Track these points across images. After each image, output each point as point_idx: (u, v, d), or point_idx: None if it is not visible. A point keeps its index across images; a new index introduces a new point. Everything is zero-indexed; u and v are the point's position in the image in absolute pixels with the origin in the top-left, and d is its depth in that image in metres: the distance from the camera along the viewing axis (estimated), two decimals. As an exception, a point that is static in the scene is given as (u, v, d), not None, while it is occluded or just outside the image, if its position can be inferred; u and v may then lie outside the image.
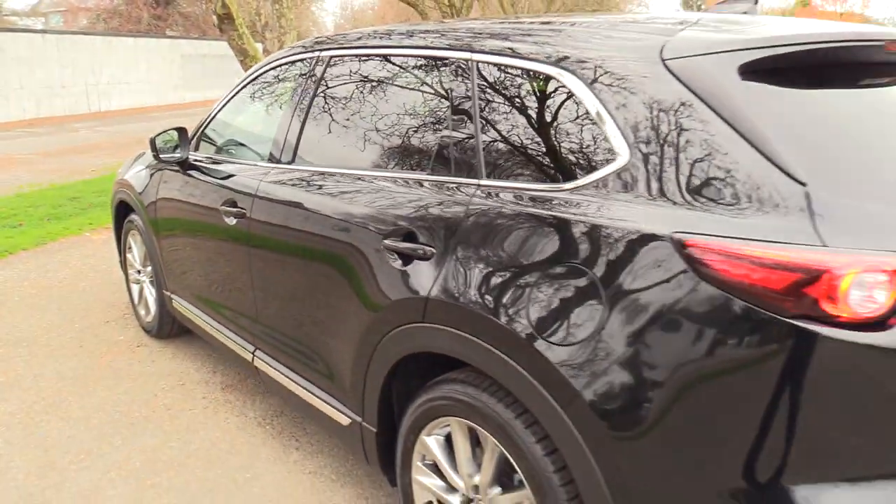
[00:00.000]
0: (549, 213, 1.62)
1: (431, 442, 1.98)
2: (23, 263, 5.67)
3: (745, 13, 2.03)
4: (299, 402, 2.55)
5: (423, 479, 2.04)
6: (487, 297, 1.67)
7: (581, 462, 1.52)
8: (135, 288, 4.17)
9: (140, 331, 4.16)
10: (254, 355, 2.83)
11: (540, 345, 1.54)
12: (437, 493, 2.01)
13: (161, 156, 3.25)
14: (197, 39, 28.60)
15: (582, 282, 1.51)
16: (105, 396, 3.35)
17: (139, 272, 4.07)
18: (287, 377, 2.59)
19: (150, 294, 3.94)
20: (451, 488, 1.97)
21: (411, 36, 2.24)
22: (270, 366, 2.70)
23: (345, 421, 2.29)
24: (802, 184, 1.33)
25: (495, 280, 1.67)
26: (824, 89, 1.57)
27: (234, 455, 2.85)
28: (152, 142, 3.25)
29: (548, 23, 1.98)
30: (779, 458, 1.30)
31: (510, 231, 1.68)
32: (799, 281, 1.25)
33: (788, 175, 1.34)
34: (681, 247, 1.36)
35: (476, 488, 1.87)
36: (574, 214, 1.57)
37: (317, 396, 2.42)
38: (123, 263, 4.30)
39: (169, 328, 3.89)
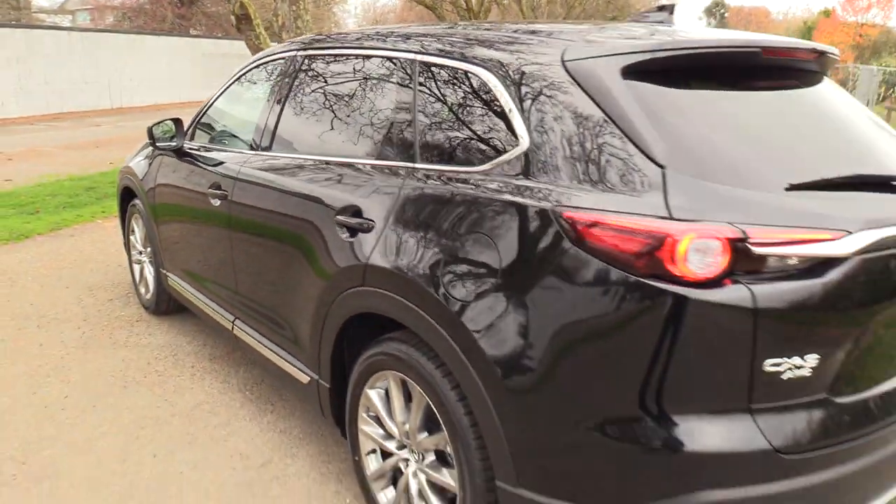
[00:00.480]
0: (464, 190, 1.88)
1: (373, 395, 2.24)
2: (37, 247, 6.02)
3: (660, 22, 2.27)
4: (270, 365, 2.84)
5: (367, 429, 2.31)
6: (411, 262, 1.94)
7: (482, 405, 1.77)
8: (136, 268, 4.48)
9: (140, 308, 4.47)
10: (233, 324, 3.12)
11: (451, 303, 1.81)
12: (377, 440, 2.28)
13: (158, 144, 3.56)
14: (218, 39, 29.14)
15: (485, 248, 1.77)
16: (103, 363, 3.65)
17: (140, 253, 4.39)
18: (259, 342, 2.88)
19: (150, 273, 4.25)
20: (389, 436, 2.23)
21: (370, 38, 2.51)
22: (247, 333, 2.99)
23: (305, 379, 2.57)
24: (662, 167, 1.58)
25: (418, 247, 1.94)
26: (701, 89, 1.81)
27: (215, 415, 3.14)
28: (150, 130, 3.56)
29: (481, 29, 2.25)
30: (635, 392, 1.55)
31: (431, 206, 1.95)
32: (647, 245, 1.50)
33: (651, 159, 1.60)
34: (559, 218, 1.62)
35: (408, 435, 2.14)
36: (483, 192, 1.83)
37: (283, 358, 2.70)
38: (127, 245, 4.62)
39: (165, 305, 4.20)
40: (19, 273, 5.22)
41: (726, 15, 78.86)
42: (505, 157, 1.84)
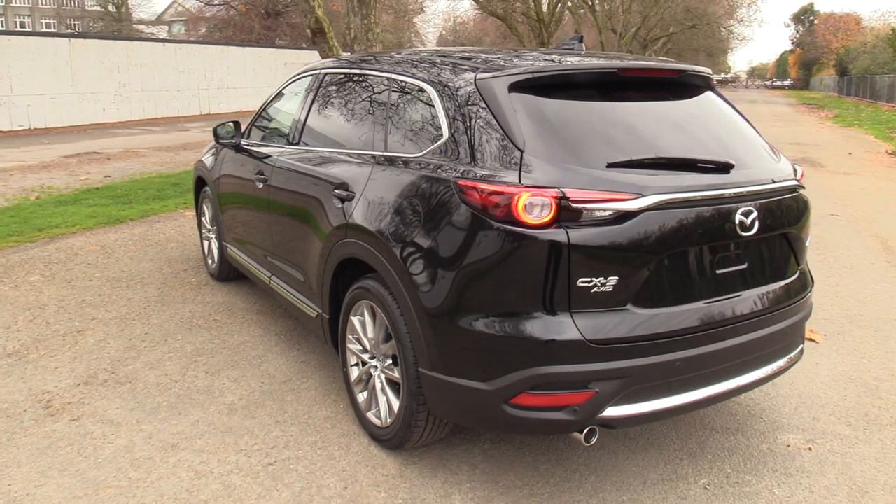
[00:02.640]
0: (407, 169, 2.71)
1: (355, 320, 3.09)
2: (129, 229, 7.20)
3: (571, 49, 3.04)
4: (291, 307, 3.74)
5: (351, 346, 3.16)
6: (373, 219, 2.79)
7: (411, 318, 2.59)
8: (205, 244, 5.51)
9: (207, 275, 5.50)
10: (270, 279, 4.04)
11: (394, 247, 2.64)
12: (358, 354, 3.12)
13: (221, 141, 4.54)
14: (298, 49, 30.85)
15: (416, 208, 2.59)
16: (174, 313, 4.66)
17: (208, 231, 5.41)
18: (286, 290, 3.79)
19: (215, 247, 5.26)
20: (365, 349, 3.08)
21: (364, 62, 3.39)
22: (279, 284, 3.90)
23: (313, 314, 3.45)
24: (521, 150, 2.37)
25: (378, 209, 2.78)
26: (568, 98, 2.57)
27: (254, 349, 4.07)
28: (215, 130, 4.55)
29: (435, 56, 3.07)
30: (500, 302, 2.34)
31: (387, 180, 2.79)
32: (502, 202, 2.29)
33: (515, 146, 2.38)
34: (456, 186, 2.43)
35: (375, 346, 2.98)
36: (417, 169, 2.66)
37: (299, 300, 3.60)
38: (199, 225, 5.66)
39: (227, 272, 5.19)
40: (114, 248, 6.37)
41: (815, 22, 76.43)
42: (434, 146, 2.67)
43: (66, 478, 2.80)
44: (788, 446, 3.11)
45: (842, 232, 7.38)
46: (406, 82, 2.98)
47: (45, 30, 45.73)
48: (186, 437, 3.11)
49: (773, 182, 2.62)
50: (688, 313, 2.42)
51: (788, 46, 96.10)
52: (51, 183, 10.29)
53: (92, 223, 7.33)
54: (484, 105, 2.53)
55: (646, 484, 2.80)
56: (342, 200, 3.05)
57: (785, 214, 2.67)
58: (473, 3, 28.85)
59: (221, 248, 5.03)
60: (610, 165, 2.36)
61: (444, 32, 64.70)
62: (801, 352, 2.97)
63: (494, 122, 2.47)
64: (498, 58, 2.80)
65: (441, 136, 2.65)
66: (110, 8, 45.62)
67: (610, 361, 2.30)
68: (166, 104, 22.47)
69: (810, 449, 3.09)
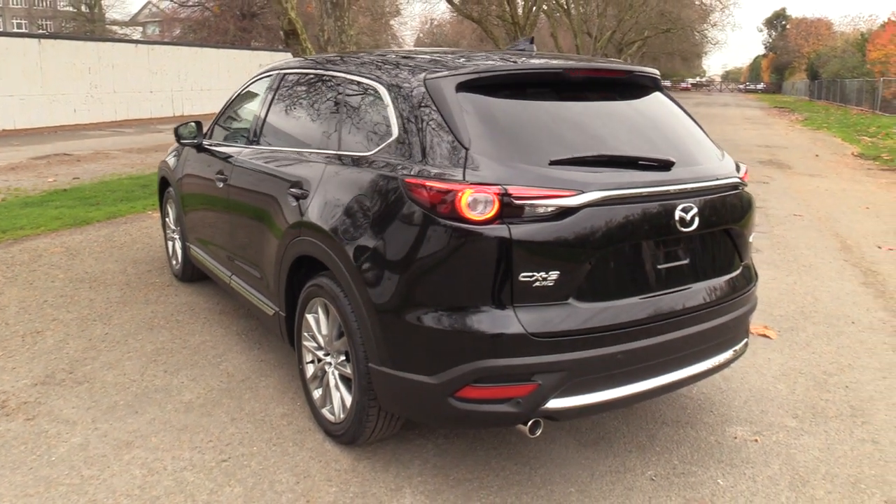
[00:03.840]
0: (358, 167, 2.75)
1: (310, 318, 3.12)
2: (95, 231, 7.15)
3: (522, 50, 3.09)
4: (250, 305, 3.75)
5: (307, 344, 3.18)
6: (326, 217, 2.82)
7: (361, 315, 2.62)
8: (169, 244, 5.50)
9: (171, 276, 5.48)
10: (231, 279, 4.05)
11: (345, 244, 2.67)
12: (313, 351, 3.15)
13: (182, 141, 4.54)
14: (273, 51, 30.71)
15: (365, 205, 2.63)
16: (136, 313, 4.65)
17: (172, 231, 5.39)
18: (245, 289, 3.80)
19: (178, 248, 5.24)
20: (319, 346, 3.10)
21: (319, 63, 3.42)
22: (239, 283, 3.91)
23: (270, 312, 3.47)
24: (466, 148, 2.42)
25: (331, 207, 2.81)
26: (516, 98, 2.63)
27: (214, 348, 4.08)
28: (176, 130, 4.54)
29: (387, 56, 3.11)
30: (444, 297, 2.38)
31: (339, 178, 2.82)
32: (447, 198, 2.33)
33: (461, 144, 2.43)
34: (404, 184, 2.47)
35: (329, 343, 3.00)
36: (370, 167, 2.70)
37: (258, 299, 3.62)
38: (163, 226, 5.64)
39: (191, 273, 5.18)
40: (79, 250, 6.33)
41: (788, 26, 77.64)
42: (384, 144, 2.70)
43: (18, 476, 2.79)
44: (735, 438, 3.18)
45: (803, 231, 7.53)
46: (359, 82, 3.01)
47: (14, 30, 45.05)
48: (142, 434, 3.12)
49: (716, 179, 2.69)
50: (629, 307, 2.48)
51: (762, 51, 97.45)
52: (18, 185, 10.18)
53: (57, 225, 7.26)
54: (432, 104, 2.57)
55: (594, 476, 2.86)
56: (297, 199, 3.08)
57: (726, 211, 2.75)
58: (448, 5, 28.97)
59: (185, 249, 5.02)
60: (553, 163, 2.41)
61: (421, 35, 64.78)
62: (746, 345, 3.05)
63: (442, 121, 2.52)
64: (449, 59, 2.85)
65: (391, 134, 2.69)
66: (83, 8, 45.09)
67: (552, 354, 2.35)
68: (139, 106, 22.27)
69: (756, 440, 3.17)
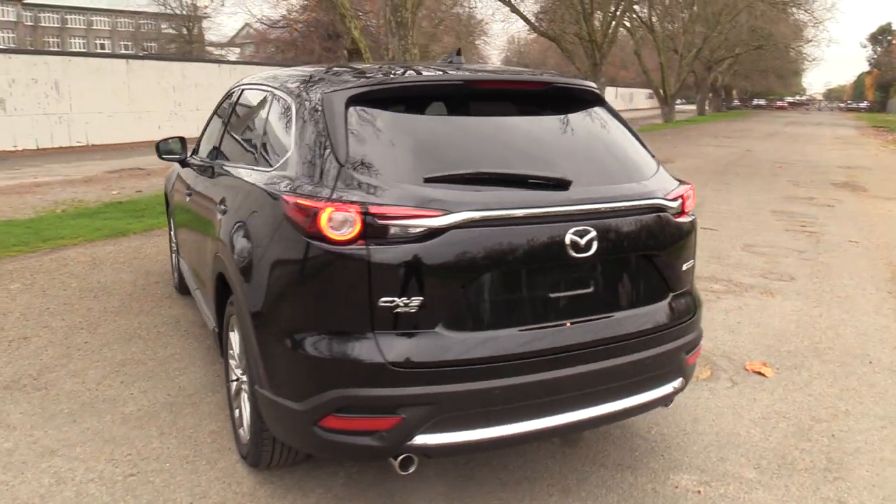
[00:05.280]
0: (258, 183, 2.69)
1: (232, 335, 3.07)
2: (128, 242, 7.44)
3: (451, 62, 2.95)
4: (203, 318, 3.75)
5: (231, 361, 3.14)
6: (229, 233, 2.77)
7: (249, 336, 2.55)
8: (173, 257, 5.62)
9: (172, 288, 5.60)
10: (194, 292, 4.08)
11: (239, 261, 2.61)
12: (233, 369, 3.10)
13: (163, 156, 4.63)
14: (354, 70, 31.38)
15: (256, 222, 2.57)
16: (124, 323, 4.76)
17: (173, 243, 5.52)
18: (199, 303, 3.81)
19: (175, 260, 5.36)
20: (238, 364, 3.05)
21: (263, 77, 3.40)
22: (196, 297, 3.93)
23: (211, 326, 3.45)
24: (342, 164, 2.31)
25: (232, 223, 2.76)
26: (412, 112, 2.50)
27: (179, 361, 4.11)
28: (157, 145, 4.63)
29: (312, 69, 3.05)
30: (309, 321, 2.28)
31: (243, 195, 2.78)
32: (309, 216, 2.23)
33: (337, 159, 2.33)
34: (282, 200, 2.39)
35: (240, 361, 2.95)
36: (264, 184, 2.63)
37: (205, 314, 3.62)
38: (169, 238, 5.79)
39: (183, 284, 5.27)
40: (104, 260, 6.58)
41: (893, 42, 73.04)
42: (282, 160, 2.63)
43: (-65, 479, 2.87)
44: (677, 487, 2.90)
45: (852, 259, 6.94)
46: (281, 97, 2.97)
47: (113, 51, 48.16)
48: (69, 444, 3.15)
49: (625, 200, 2.46)
50: (508, 338, 2.29)
51: (866, 67, 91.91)
52: (84, 197, 10.77)
53: (95, 235, 7.60)
54: (322, 119, 2.49)
55: (500, 518, 2.66)
56: (221, 215, 3.06)
57: (641, 236, 2.51)
58: (525, 24, 28.84)
59: (178, 260, 5.12)
60: (427, 180, 2.27)
61: (508, 54, 64.67)
62: (683, 384, 2.77)
63: (325, 135, 2.43)
64: (358, 71, 2.76)
65: (289, 150, 2.62)
66: (183, 31, 47.80)
67: (417, 386, 2.20)
68: (220, 123, 23.30)
69: (699, 492, 2.87)
